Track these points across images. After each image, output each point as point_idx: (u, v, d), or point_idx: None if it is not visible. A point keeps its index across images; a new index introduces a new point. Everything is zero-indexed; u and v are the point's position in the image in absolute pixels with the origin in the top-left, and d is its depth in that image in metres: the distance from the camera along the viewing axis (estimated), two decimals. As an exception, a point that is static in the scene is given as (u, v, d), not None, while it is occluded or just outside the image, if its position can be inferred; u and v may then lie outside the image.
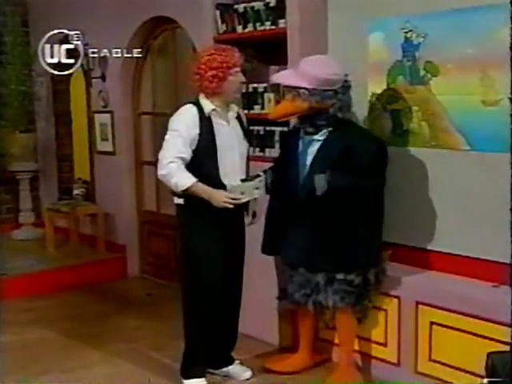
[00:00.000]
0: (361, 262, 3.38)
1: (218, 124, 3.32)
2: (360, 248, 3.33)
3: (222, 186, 3.28)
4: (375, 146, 3.35)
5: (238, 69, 3.29)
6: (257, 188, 3.32)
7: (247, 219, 3.49)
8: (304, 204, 3.37)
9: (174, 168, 3.20)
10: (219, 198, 3.19)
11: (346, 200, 3.27)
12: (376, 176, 3.32)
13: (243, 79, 3.35)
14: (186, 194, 3.23)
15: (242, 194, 3.26)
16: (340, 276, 3.37)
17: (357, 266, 3.38)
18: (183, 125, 3.26)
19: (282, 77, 3.46)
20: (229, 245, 3.39)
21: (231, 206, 3.18)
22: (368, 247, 3.37)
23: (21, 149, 6.50)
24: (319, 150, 3.37)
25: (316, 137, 3.40)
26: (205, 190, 3.20)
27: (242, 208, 3.37)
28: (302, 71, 3.33)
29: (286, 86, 3.40)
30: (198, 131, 3.26)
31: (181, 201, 3.40)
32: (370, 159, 3.28)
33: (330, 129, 3.37)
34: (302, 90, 3.29)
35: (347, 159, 3.27)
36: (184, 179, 3.19)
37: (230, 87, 3.29)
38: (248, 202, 3.35)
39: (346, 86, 3.36)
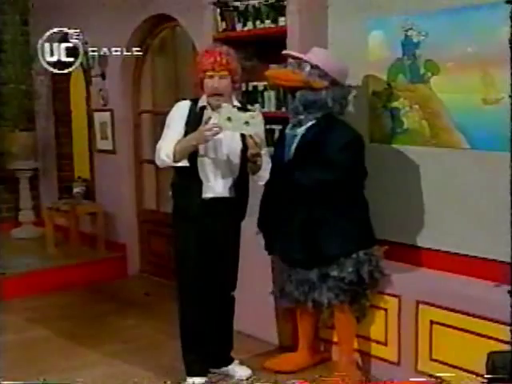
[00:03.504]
0: (334, 253, 3.36)
1: (208, 120, 3.30)
2: (333, 239, 3.33)
3: (199, 182, 3.29)
4: (345, 139, 3.35)
5: (212, 73, 3.25)
6: (246, 123, 3.11)
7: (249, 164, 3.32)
8: (283, 197, 3.43)
9: (158, 148, 3.32)
10: (199, 134, 3.18)
11: (316, 192, 3.33)
12: (344, 168, 3.30)
13: (216, 85, 3.25)
14: (182, 157, 3.26)
15: (229, 120, 3.11)
16: (333, 273, 3.38)
17: (330, 258, 3.37)
18: (172, 116, 3.38)
19: (293, 52, 3.55)
20: (214, 245, 3.38)
21: (215, 131, 3.12)
22: (341, 238, 3.35)
23: (21, 147, 6.49)
24: (298, 143, 3.41)
25: (298, 131, 3.43)
26: (188, 139, 3.24)
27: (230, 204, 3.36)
28: (313, 51, 3.48)
29: (294, 58, 3.49)
30: (184, 122, 3.31)
31: (170, 193, 3.49)
32: (338, 151, 3.29)
33: (312, 122, 3.40)
34: (305, 63, 3.39)
35: (317, 151, 3.33)
36: (167, 146, 3.27)
37: (205, 90, 3.31)
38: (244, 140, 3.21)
39: (346, 89, 3.46)
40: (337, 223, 3.35)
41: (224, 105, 3.17)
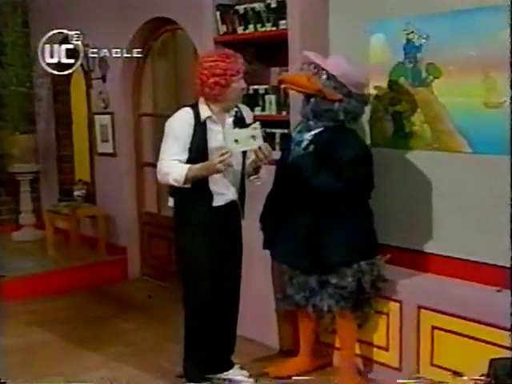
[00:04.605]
0: (335, 262, 3.33)
1: (212, 130, 3.29)
2: (336, 247, 3.30)
3: (209, 194, 3.28)
4: (354, 153, 3.29)
5: (240, 76, 3.25)
6: (253, 137, 3.11)
7: (249, 166, 3.33)
8: (287, 200, 3.41)
9: (167, 168, 3.24)
10: (213, 165, 3.15)
11: (318, 199, 3.30)
12: (350, 182, 3.25)
13: (244, 86, 3.30)
14: (193, 182, 3.21)
15: (236, 142, 3.10)
16: (333, 280, 3.36)
17: (331, 266, 3.34)
18: (178, 128, 3.28)
19: (314, 54, 3.44)
20: (222, 246, 3.37)
21: (228, 162, 3.11)
22: (344, 247, 3.31)
23: (21, 150, 6.49)
24: (304, 149, 3.38)
25: (305, 136, 3.40)
26: (201, 169, 3.20)
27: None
28: (333, 59, 3.42)
29: (311, 64, 3.39)
30: (191, 135, 3.26)
31: (172, 203, 3.42)
32: (345, 165, 3.25)
33: (320, 129, 3.36)
34: (322, 71, 3.32)
35: (323, 161, 3.28)
36: (178, 172, 3.21)
37: (231, 94, 3.26)
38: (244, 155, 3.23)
39: (362, 99, 3.40)
40: (340, 231, 3.31)
41: (228, 130, 3.18)
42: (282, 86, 3.59)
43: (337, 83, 3.30)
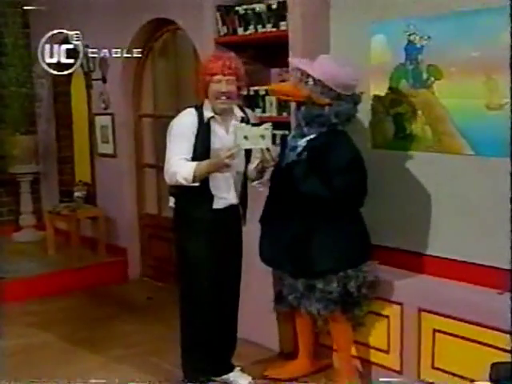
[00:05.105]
0: (320, 269, 3.30)
1: (216, 132, 3.28)
2: (322, 254, 3.27)
3: (209, 196, 3.27)
4: (345, 160, 3.24)
5: (220, 77, 3.21)
6: (262, 136, 3.07)
7: (253, 171, 3.35)
8: (279, 204, 3.40)
9: (174, 167, 3.21)
10: (221, 160, 3.11)
11: (308, 205, 3.26)
12: (341, 189, 3.20)
13: (223, 90, 3.22)
14: (201, 180, 3.20)
15: (245, 138, 3.07)
16: (319, 285, 3.34)
17: (317, 272, 3.32)
18: (183, 128, 3.27)
19: (299, 60, 3.43)
20: (221, 248, 3.36)
21: (234, 157, 3.09)
22: (331, 254, 3.28)
23: (22, 151, 6.50)
24: (297, 155, 3.35)
25: (299, 143, 3.37)
26: (208, 165, 3.18)
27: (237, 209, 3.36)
28: (319, 62, 3.34)
29: (298, 69, 3.36)
30: (195, 135, 3.25)
31: (173, 203, 3.41)
32: (337, 172, 3.20)
33: (314, 135, 3.33)
34: (308, 77, 3.27)
35: (316, 167, 3.25)
36: (186, 170, 3.17)
37: (210, 94, 3.25)
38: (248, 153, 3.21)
39: (353, 99, 3.33)
40: (328, 238, 3.28)
41: (239, 125, 3.15)
42: (271, 92, 3.60)
43: (324, 88, 3.24)
